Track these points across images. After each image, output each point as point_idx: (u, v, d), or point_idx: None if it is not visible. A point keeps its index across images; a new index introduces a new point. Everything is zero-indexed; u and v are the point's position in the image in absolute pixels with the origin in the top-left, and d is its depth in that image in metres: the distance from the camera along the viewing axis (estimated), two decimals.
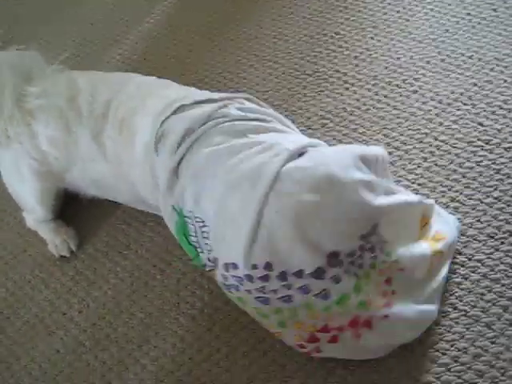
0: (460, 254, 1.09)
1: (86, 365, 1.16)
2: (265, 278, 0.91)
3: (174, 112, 1.11)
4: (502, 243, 1.08)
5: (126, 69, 1.71)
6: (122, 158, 1.19)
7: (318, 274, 0.90)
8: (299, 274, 0.90)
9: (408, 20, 1.55)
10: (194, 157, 1.03)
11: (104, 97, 1.23)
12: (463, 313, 1.01)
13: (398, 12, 1.58)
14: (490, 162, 1.20)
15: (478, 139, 1.25)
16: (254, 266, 0.91)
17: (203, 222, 1.00)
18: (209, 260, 1.02)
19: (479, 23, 1.47)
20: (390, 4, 1.61)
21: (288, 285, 0.91)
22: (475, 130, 1.26)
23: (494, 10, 1.48)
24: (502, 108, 1.28)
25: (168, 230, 1.28)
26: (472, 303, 1.02)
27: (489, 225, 1.11)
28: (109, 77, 1.35)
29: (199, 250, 1.04)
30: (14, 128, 1.28)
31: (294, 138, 1.05)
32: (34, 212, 1.37)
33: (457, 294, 1.04)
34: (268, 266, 0.91)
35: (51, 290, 1.30)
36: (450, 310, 1.02)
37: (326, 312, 0.93)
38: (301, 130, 1.37)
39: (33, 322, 1.26)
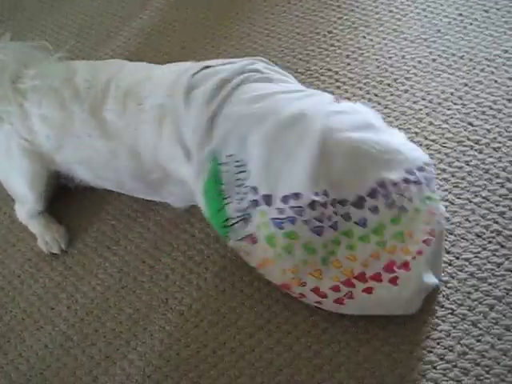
0: (448, 252, 1.09)
1: (74, 360, 1.16)
2: (324, 205, 1.00)
3: (202, 69, 1.18)
4: (490, 242, 1.09)
5: None
6: (126, 129, 1.21)
7: (360, 203, 1.01)
8: (344, 202, 1.01)
9: (400, 20, 1.55)
10: (237, 103, 1.10)
11: (103, 76, 1.27)
12: (450, 311, 1.02)
13: (390, 12, 1.58)
14: (479, 162, 1.21)
15: (468, 139, 1.25)
16: (316, 194, 1.00)
17: (244, 165, 1.06)
18: (238, 211, 1.06)
19: (471, 24, 1.48)
20: (382, 3, 1.61)
21: (335, 211, 1.01)
22: (465, 130, 1.27)
23: (486, 12, 1.49)
24: (491, 108, 1.29)
25: (158, 226, 1.29)
26: (459, 302, 1.03)
27: (477, 224, 1.12)
28: (106, 62, 1.41)
29: (227, 200, 1.07)
30: (5, 107, 1.31)
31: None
32: (25, 200, 1.37)
33: (444, 293, 1.04)
34: (326, 194, 1.01)
35: (40, 284, 1.30)
36: (436, 308, 1.03)
37: (362, 242, 1.00)
38: None
39: (21, 317, 1.26)
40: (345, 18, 1.62)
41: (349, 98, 1.40)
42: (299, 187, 1.01)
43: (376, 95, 1.40)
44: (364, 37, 1.54)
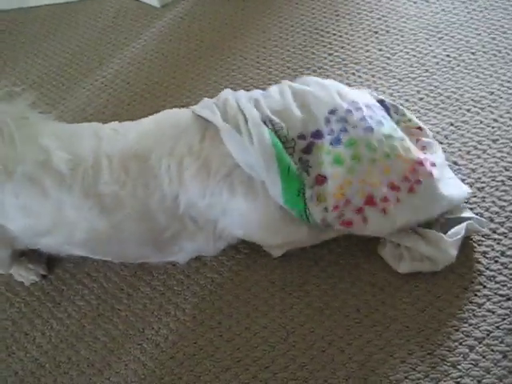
0: (429, 291, 1.08)
1: None
2: (359, 109, 1.13)
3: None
4: (472, 282, 1.08)
5: (108, 92, 1.72)
6: (133, 194, 1.13)
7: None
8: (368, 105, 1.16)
9: (389, 58, 1.57)
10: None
11: (86, 152, 1.16)
12: (429, 351, 1.01)
13: (380, 50, 1.61)
14: None
15: None
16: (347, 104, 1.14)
17: (278, 123, 1.13)
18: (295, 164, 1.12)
19: (458, 65, 1.50)
20: (372, 42, 1.64)
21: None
22: (450, 169, 1.27)
23: (473, 54, 1.51)
24: (476, 148, 1.29)
25: None
26: (438, 342, 1.01)
27: (459, 264, 1.11)
28: (76, 133, 1.24)
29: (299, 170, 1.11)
30: None
31: None
32: None
33: (424, 333, 1.03)
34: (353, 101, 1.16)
35: (15, 309, 1.27)
36: (416, 348, 1.01)
37: (386, 140, 1.11)
38: None
39: None
40: (335, 54, 1.64)
41: None
42: (331, 104, 1.13)
43: None
44: (353, 73, 1.56)
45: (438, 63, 1.52)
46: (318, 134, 1.12)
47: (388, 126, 1.13)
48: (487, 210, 1.18)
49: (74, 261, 1.31)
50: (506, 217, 1.16)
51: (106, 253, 1.24)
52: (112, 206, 1.14)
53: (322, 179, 1.10)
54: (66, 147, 1.17)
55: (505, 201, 1.19)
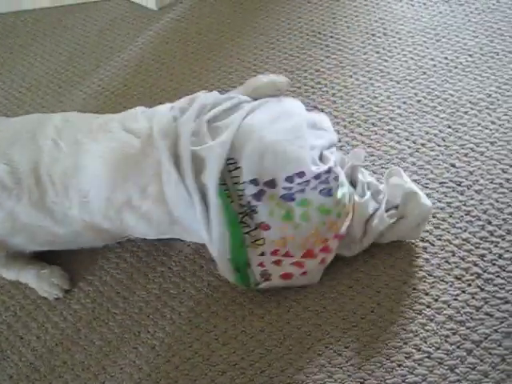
0: (426, 294, 1.08)
1: None
2: (328, 172, 1.09)
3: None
4: (469, 285, 1.08)
5: (105, 94, 1.71)
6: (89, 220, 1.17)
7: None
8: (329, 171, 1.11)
9: (387, 61, 1.57)
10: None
11: (24, 165, 1.17)
12: (426, 354, 1.00)
13: (377, 53, 1.60)
14: (460, 204, 1.20)
15: (450, 180, 1.25)
16: (317, 166, 1.09)
17: (235, 162, 1.09)
18: (240, 207, 1.10)
19: (456, 67, 1.49)
20: (370, 44, 1.63)
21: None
22: (447, 171, 1.27)
23: (470, 56, 1.51)
24: (474, 150, 1.29)
25: (134, 257, 1.27)
26: (436, 345, 1.01)
27: (457, 266, 1.11)
28: (9, 136, 1.24)
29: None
30: None
31: None
32: None
33: (421, 336, 1.02)
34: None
35: (10, 312, 1.26)
36: (413, 351, 1.01)
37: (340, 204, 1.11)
38: None
39: None
40: (332, 57, 1.63)
41: None
42: (303, 166, 1.08)
43: (360, 134, 1.40)
44: (350, 76, 1.56)
45: (435, 65, 1.51)
46: (272, 184, 1.09)
47: (344, 190, 1.12)
48: (485, 212, 1.18)
49: (69, 265, 1.30)
50: (503, 219, 1.16)
51: (83, 244, 1.27)
52: (65, 220, 1.17)
53: (265, 226, 1.09)
54: (5, 155, 1.18)
55: (502, 203, 1.19)
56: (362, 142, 1.37)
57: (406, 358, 1.00)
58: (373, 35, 1.66)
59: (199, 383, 1.04)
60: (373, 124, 1.41)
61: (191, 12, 1.97)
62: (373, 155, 1.34)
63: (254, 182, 1.08)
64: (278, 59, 1.68)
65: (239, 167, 1.09)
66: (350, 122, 1.43)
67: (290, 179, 1.08)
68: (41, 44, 2.05)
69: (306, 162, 1.08)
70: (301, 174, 1.08)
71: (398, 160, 1.31)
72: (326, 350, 1.03)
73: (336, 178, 1.10)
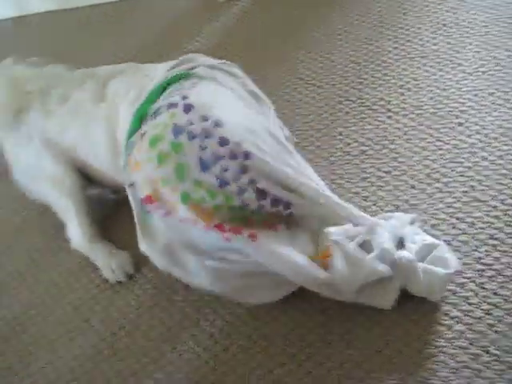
0: (495, 294, 1.03)
1: (102, 374, 1.15)
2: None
3: None
4: None
5: None
6: None
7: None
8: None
9: (458, 52, 1.51)
10: None
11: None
12: (495, 357, 0.95)
13: (448, 43, 1.55)
14: None
15: None
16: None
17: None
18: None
19: None
20: (440, 35, 1.58)
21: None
22: None
23: None
24: None
25: None
26: (506, 348, 0.96)
27: None
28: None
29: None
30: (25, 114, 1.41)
31: None
32: (68, 212, 1.37)
33: (490, 337, 0.98)
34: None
35: (76, 294, 1.30)
36: (479, 352, 0.97)
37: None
38: (339, 156, 1.36)
39: (54, 326, 1.26)
40: (401, 48, 1.59)
41: (399, 128, 1.37)
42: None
43: (429, 127, 1.35)
44: (419, 67, 1.51)
45: (509, 56, 1.44)
46: (187, 109, 1.10)
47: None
48: None
49: (132, 251, 1.33)
50: None
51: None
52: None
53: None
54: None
55: None
56: (431, 136, 1.33)
57: (471, 359, 0.96)
58: (444, 25, 1.60)
59: (256, 373, 1.04)
60: (442, 117, 1.36)
61: (257, 4, 1.97)
62: (441, 149, 1.29)
63: (184, 96, 1.12)
64: (344, 50, 1.65)
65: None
66: (418, 115, 1.39)
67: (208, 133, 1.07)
68: (112, 35, 2.10)
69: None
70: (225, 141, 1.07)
71: (467, 154, 1.26)
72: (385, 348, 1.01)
73: None
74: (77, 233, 1.36)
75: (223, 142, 1.06)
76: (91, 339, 1.21)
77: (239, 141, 1.06)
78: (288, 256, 1.02)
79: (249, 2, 1.98)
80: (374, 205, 1.23)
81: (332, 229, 1.04)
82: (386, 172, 1.29)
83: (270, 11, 1.91)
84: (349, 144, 1.38)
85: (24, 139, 1.40)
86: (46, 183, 1.39)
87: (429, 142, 1.32)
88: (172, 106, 1.11)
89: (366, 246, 1.02)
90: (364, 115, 1.44)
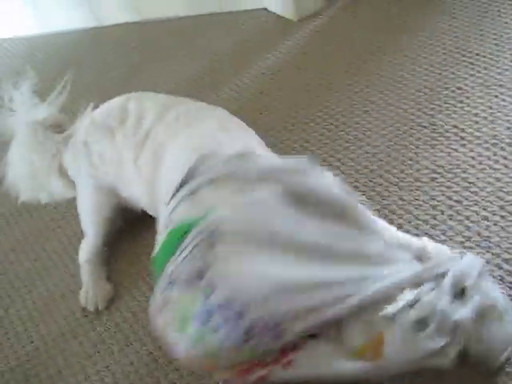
0: None
1: (156, 382, 1.15)
2: None
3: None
4: None
5: (241, 99, 1.75)
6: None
7: None
8: None
9: None
10: None
11: (146, 125, 1.29)
12: None
13: None
14: None
15: None
16: None
17: None
18: None
19: None
20: None
21: None
22: None
23: None
24: None
25: None
26: None
27: None
28: (157, 101, 1.39)
29: None
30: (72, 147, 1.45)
31: None
32: (86, 230, 1.43)
33: None
34: None
35: (136, 303, 1.32)
36: None
37: None
38: (408, 181, 1.33)
39: (113, 331, 1.28)
40: (477, 75, 1.55)
41: (472, 157, 1.33)
42: None
43: (504, 158, 1.31)
44: (496, 96, 1.46)
45: None
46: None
47: None
48: None
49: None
50: None
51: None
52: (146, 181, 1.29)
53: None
54: (139, 115, 1.35)
55: None
56: (506, 167, 1.28)
57: None
58: None
59: None
60: None
61: (331, 25, 1.97)
62: None
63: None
64: (418, 75, 1.62)
65: None
66: (492, 145, 1.35)
67: None
68: (183, 50, 2.14)
69: None
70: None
71: None
72: None
73: None
74: (83, 249, 1.43)
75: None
76: (147, 346, 1.22)
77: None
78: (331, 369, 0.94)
79: (322, 24, 1.98)
80: (443, 234, 1.20)
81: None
82: (457, 201, 1.25)
83: (343, 33, 1.90)
84: (419, 170, 1.35)
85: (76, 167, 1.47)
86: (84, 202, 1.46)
87: (503, 174, 1.27)
88: (192, 280, 0.95)
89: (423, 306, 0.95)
90: (436, 142, 1.40)
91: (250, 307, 0.90)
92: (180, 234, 0.99)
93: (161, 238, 1.04)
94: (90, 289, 1.37)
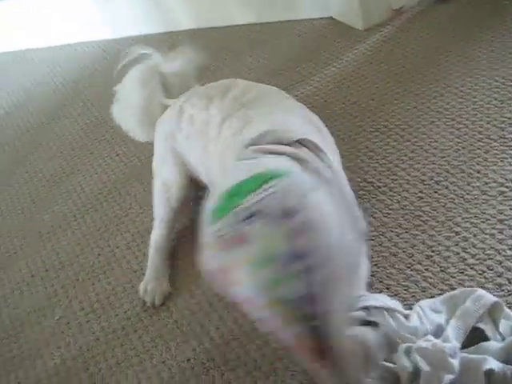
0: None
1: (212, 381, 1.17)
2: None
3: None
4: None
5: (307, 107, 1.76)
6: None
7: None
8: None
9: None
10: None
11: (246, 98, 1.31)
12: None
13: None
14: None
15: None
16: None
17: None
18: None
19: None
20: None
21: None
22: None
23: None
24: None
25: None
26: None
27: None
28: (260, 87, 1.43)
29: None
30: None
31: None
32: (157, 212, 1.48)
33: None
34: None
35: (195, 300, 1.34)
36: None
37: None
38: (475, 194, 1.30)
39: (171, 327, 1.31)
40: None
41: None
42: None
43: None
44: None
45: None
46: None
47: None
48: None
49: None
50: None
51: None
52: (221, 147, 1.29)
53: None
54: (244, 90, 1.39)
55: None
56: None
57: None
58: None
59: None
60: None
61: (398, 34, 1.95)
62: None
63: None
64: (487, 87, 1.59)
65: None
66: None
67: None
68: (249, 56, 2.17)
69: None
70: None
71: None
72: None
73: None
74: (153, 240, 1.48)
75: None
76: (204, 345, 1.24)
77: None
78: None
79: (389, 33, 1.97)
80: (510, 249, 1.17)
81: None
82: None
83: (409, 43, 1.88)
84: (487, 183, 1.32)
85: (164, 132, 1.51)
86: (158, 180, 1.50)
87: None
88: (280, 216, 0.88)
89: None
90: (505, 155, 1.37)
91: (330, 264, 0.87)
92: (260, 181, 0.91)
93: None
94: (150, 282, 1.40)
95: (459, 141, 1.45)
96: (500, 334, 0.96)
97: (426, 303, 1.04)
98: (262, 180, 0.91)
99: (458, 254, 1.19)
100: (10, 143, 2.42)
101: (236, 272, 0.87)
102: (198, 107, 1.38)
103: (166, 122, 1.50)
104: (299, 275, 0.84)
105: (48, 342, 1.43)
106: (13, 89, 2.88)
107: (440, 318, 1.00)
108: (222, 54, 2.28)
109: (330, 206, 0.94)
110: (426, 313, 1.01)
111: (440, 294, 1.12)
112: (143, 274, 1.44)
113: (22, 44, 3.21)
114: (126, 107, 1.63)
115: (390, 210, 1.34)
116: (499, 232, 1.20)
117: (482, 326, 0.97)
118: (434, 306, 1.03)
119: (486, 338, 0.95)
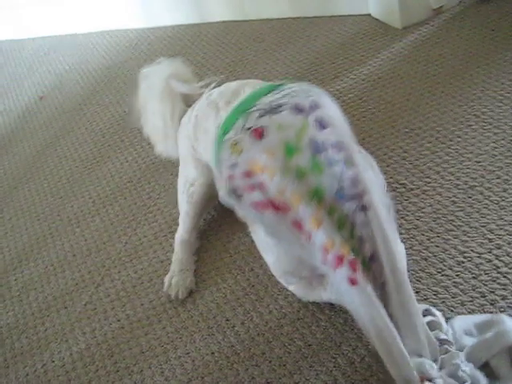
0: None
1: (235, 374, 1.17)
2: None
3: None
4: None
5: (340, 105, 1.73)
6: None
7: None
8: None
9: None
10: None
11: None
12: None
13: None
14: None
15: None
16: None
17: None
18: None
19: None
20: None
21: None
22: None
23: None
24: None
25: None
26: None
27: None
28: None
29: None
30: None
31: None
32: (181, 207, 1.49)
33: None
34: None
35: (221, 294, 1.34)
36: None
37: None
38: (510, 201, 1.27)
39: (197, 319, 1.31)
40: None
41: None
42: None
43: None
44: None
45: None
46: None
47: None
48: None
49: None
50: None
51: None
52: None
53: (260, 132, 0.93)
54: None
55: None
56: None
57: None
58: None
59: None
60: None
61: (437, 34, 1.92)
62: None
63: None
64: None
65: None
66: None
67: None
68: (283, 50, 2.16)
69: None
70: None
71: None
72: None
73: None
74: (179, 234, 1.49)
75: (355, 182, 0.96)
76: (229, 339, 1.24)
77: (365, 190, 0.96)
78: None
79: (428, 33, 1.94)
80: None
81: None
82: None
83: (448, 43, 1.85)
84: None
85: (184, 133, 1.52)
86: (181, 179, 1.52)
87: None
88: (299, 110, 0.95)
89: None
90: None
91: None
92: (271, 87, 1.04)
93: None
94: (174, 276, 1.41)
95: (496, 146, 1.42)
96: None
97: (459, 323, 1.02)
98: (272, 87, 1.01)
99: (491, 261, 1.17)
100: (43, 127, 2.45)
101: (264, 161, 0.89)
102: (210, 120, 1.36)
103: (185, 123, 1.52)
104: (331, 165, 0.90)
105: (73, 327, 1.44)
106: (48, 72, 2.91)
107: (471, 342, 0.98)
108: (254, 48, 2.27)
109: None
110: (457, 335, 1.00)
111: (470, 302, 1.10)
112: (169, 265, 1.45)
113: (69, 29, 3.26)
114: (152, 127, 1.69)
115: (422, 213, 1.33)
116: None
117: (493, 362, 0.94)
118: (467, 327, 1.01)
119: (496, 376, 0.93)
